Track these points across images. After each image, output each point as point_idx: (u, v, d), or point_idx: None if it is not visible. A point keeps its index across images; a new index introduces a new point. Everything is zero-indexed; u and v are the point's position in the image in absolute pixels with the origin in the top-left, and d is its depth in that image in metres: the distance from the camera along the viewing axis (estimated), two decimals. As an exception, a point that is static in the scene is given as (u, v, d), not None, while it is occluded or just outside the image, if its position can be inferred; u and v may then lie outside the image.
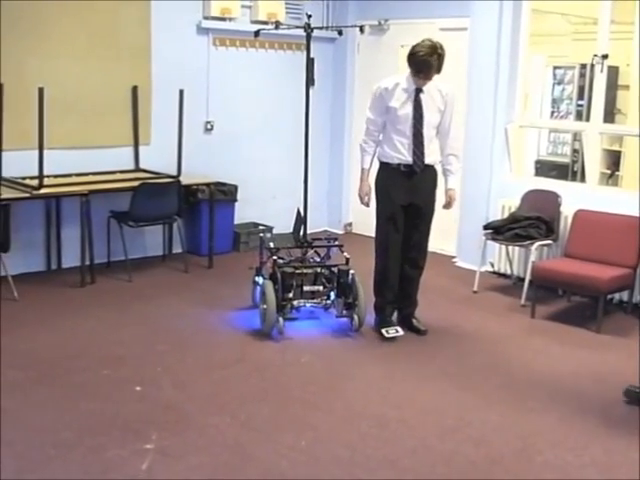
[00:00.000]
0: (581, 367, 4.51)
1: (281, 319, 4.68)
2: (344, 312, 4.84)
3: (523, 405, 3.96)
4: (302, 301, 4.84)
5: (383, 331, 4.79)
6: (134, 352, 4.48)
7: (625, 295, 5.52)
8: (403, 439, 3.55)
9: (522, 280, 5.80)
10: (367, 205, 4.91)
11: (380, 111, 4.72)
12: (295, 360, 4.44)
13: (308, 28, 5.02)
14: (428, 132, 4.69)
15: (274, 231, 6.95)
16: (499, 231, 5.81)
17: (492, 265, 6.37)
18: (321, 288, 4.88)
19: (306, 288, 4.85)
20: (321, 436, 3.55)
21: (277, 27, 5.32)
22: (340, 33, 5.67)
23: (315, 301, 4.88)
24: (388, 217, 4.79)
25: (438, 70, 4.55)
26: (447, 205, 4.90)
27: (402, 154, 4.69)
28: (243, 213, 7.02)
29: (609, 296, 5.41)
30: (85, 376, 4.11)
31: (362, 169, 4.90)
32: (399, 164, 4.71)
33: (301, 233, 5.16)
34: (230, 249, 6.85)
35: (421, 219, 4.82)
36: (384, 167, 4.81)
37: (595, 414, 3.86)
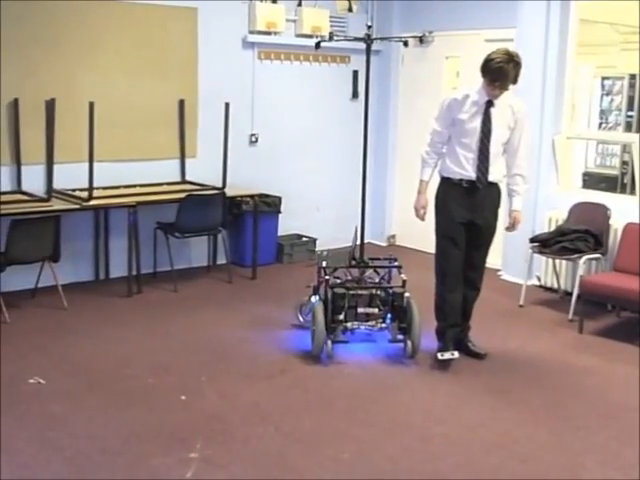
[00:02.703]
0: (630, 384, 4.41)
1: (330, 342, 4.52)
2: (398, 337, 4.63)
3: (571, 422, 3.89)
4: (356, 323, 4.62)
5: (438, 354, 4.58)
6: (179, 361, 4.53)
7: (676, 310, 5.40)
8: (447, 454, 3.51)
9: (570, 294, 5.71)
10: (422, 219, 4.72)
11: (447, 123, 4.52)
12: (338, 372, 4.44)
13: (368, 39, 4.97)
14: (495, 148, 4.45)
15: (317, 242, 7.00)
16: (546, 244, 5.73)
17: (539, 279, 6.28)
18: (376, 310, 4.65)
19: (360, 310, 4.62)
20: (364, 449, 3.53)
21: (331, 38, 5.32)
22: (405, 44, 5.50)
23: (370, 324, 4.65)
24: (447, 235, 4.57)
25: (514, 80, 4.35)
26: (511, 227, 4.68)
27: (465, 169, 4.47)
28: (287, 224, 7.06)
29: (660, 311, 5.30)
30: (131, 384, 4.17)
31: (421, 181, 4.68)
32: (461, 179, 4.49)
33: (356, 252, 4.92)
34: (273, 260, 6.89)
35: (481, 238, 4.58)
36: (445, 182, 4.59)
37: (645, 432, 3.78)
